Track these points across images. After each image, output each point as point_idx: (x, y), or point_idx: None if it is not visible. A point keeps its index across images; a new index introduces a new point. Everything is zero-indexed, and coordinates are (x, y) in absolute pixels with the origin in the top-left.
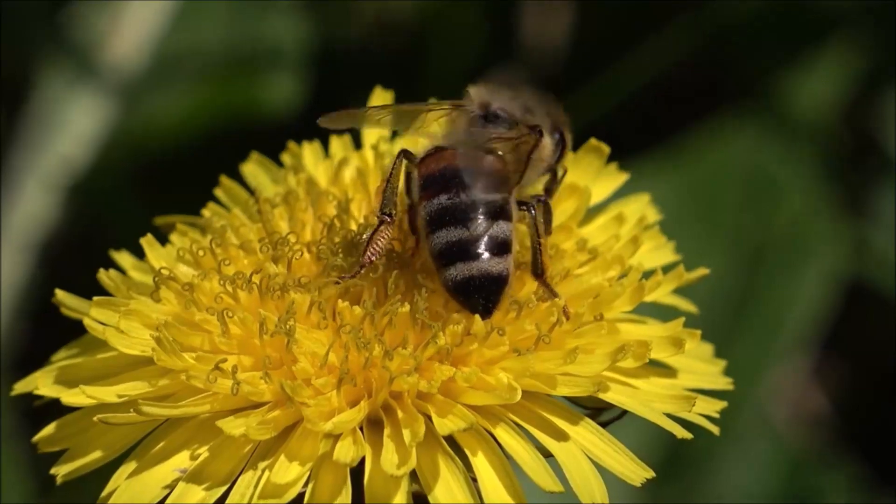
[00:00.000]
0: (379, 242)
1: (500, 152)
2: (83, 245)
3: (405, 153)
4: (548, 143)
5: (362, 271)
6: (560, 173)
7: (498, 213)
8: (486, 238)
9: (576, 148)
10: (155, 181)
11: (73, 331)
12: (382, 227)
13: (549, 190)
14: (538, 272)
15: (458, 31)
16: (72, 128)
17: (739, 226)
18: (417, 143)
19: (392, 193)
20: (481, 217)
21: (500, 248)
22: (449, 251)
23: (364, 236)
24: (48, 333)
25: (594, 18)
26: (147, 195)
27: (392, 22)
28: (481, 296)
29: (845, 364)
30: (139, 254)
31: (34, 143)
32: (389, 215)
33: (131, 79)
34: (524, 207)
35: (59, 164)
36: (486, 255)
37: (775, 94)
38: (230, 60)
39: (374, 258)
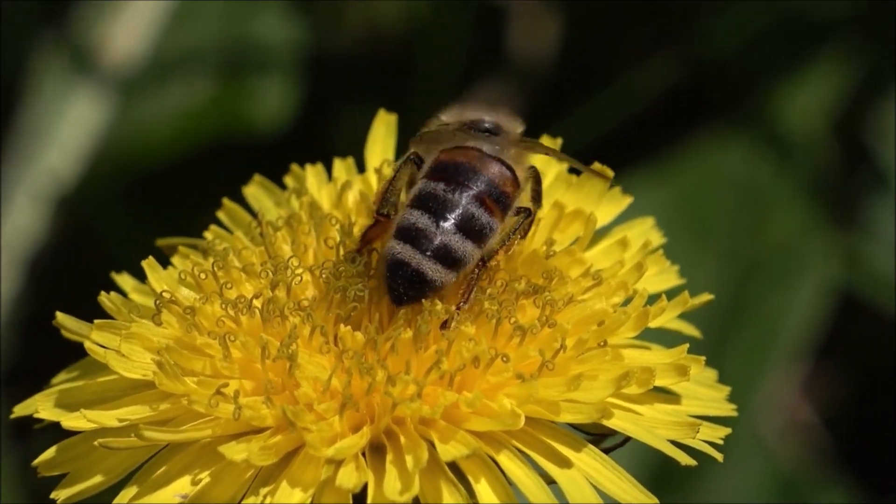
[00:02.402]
0: (370, 236)
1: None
2: (73, 258)
3: (415, 157)
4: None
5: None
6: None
7: (474, 230)
8: (443, 244)
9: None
10: (145, 193)
11: (64, 345)
12: (377, 227)
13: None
14: (485, 260)
15: (446, 40)
16: (62, 140)
17: (731, 238)
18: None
19: (392, 195)
20: (455, 223)
21: (449, 261)
22: (408, 230)
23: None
24: (38, 346)
25: (582, 27)
26: (137, 208)
27: (381, 30)
28: (403, 285)
29: (837, 376)
30: (133, 269)
31: (23, 156)
32: (386, 215)
33: (122, 86)
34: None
35: (49, 177)
36: (431, 257)
37: (766, 105)
38: (222, 67)
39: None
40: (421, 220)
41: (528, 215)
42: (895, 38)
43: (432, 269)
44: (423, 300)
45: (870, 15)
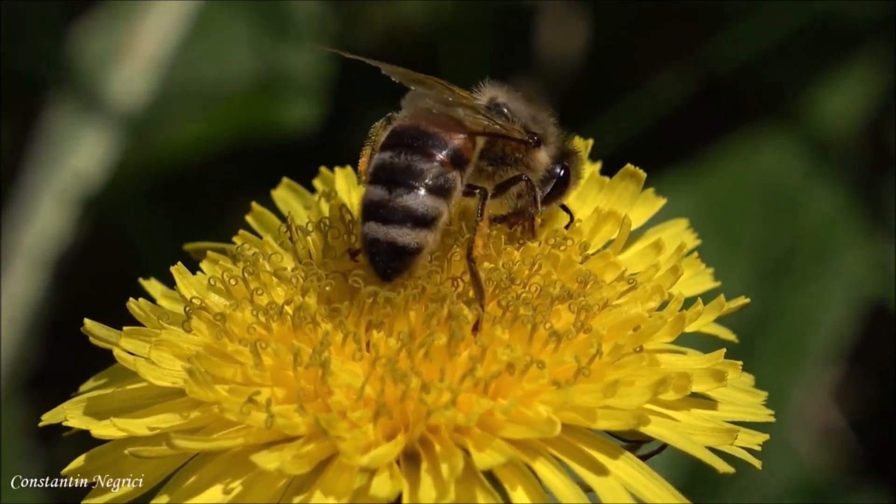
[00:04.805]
0: None
1: (467, 126)
2: (98, 261)
3: (388, 118)
4: (541, 156)
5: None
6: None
7: (430, 185)
8: (400, 206)
9: (611, 173)
10: (171, 196)
11: (89, 349)
12: None
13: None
14: (468, 254)
15: (470, 42)
16: (87, 142)
17: (761, 243)
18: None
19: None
20: (406, 184)
21: (413, 220)
22: (368, 208)
23: None
24: (62, 350)
25: (610, 28)
26: (162, 210)
27: (404, 32)
28: (383, 260)
29: (867, 382)
30: (158, 271)
31: (49, 159)
32: None
33: (148, 97)
34: (475, 192)
35: (74, 180)
36: (396, 223)
37: (798, 109)
38: (248, 80)
39: None
40: (376, 193)
41: (527, 182)
42: None
43: (401, 234)
44: (411, 270)
45: None
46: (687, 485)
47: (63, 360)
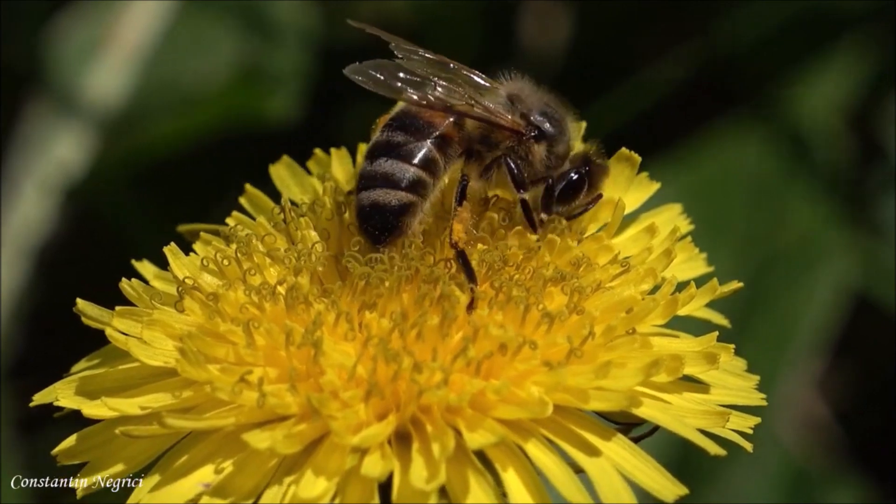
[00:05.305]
0: None
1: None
2: (82, 251)
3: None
4: (538, 150)
5: None
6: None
7: (405, 154)
8: (380, 173)
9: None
10: (155, 184)
11: (72, 337)
12: None
13: (546, 205)
14: (449, 238)
15: (456, 34)
16: (70, 133)
17: (746, 232)
18: None
19: None
20: (389, 154)
21: (394, 183)
22: (357, 182)
23: None
24: (46, 339)
25: (595, 20)
26: (147, 198)
27: (391, 24)
28: (370, 223)
29: (852, 374)
30: (147, 256)
31: (32, 149)
32: None
33: (130, 89)
34: (466, 179)
35: (58, 170)
36: (376, 187)
37: (783, 99)
38: (230, 72)
39: None
40: (364, 167)
41: (507, 165)
42: None
43: (382, 194)
44: (401, 231)
45: (888, 10)
46: (672, 473)
47: (47, 348)
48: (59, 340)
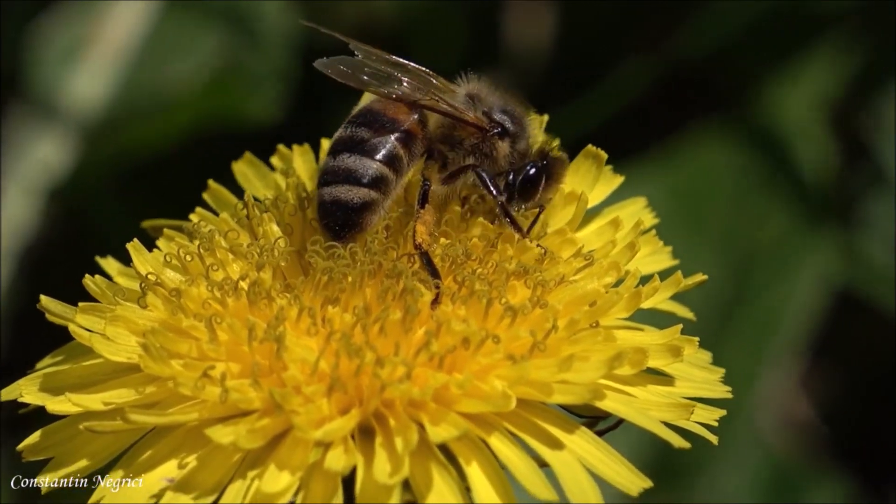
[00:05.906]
0: None
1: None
2: (66, 250)
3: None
4: (502, 146)
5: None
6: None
7: (368, 150)
8: (342, 168)
9: (573, 154)
10: (138, 184)
11: (56, 337)
12: None
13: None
14: (414, 242)
15: (440, 34)
16: (53, 134)
17: (727, 232)
18: None
19: None
20: (351, 149)
21: (355, 179)
22: (319, 178)
23: None
24: (30, 340)
25: (578, 20)
26: (130, 198)
27: (375, 23)
28: (331, 219)
29: (835, 372)
30: (125, 258)
31: (16, 148)
32: None
33: (112, 90)
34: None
35: (41, 171)
36: (337, 182)
37: (764, 98)
38: (211, 72)
39: None
40: (326, 162)
41: (477, 173)
42: (894, 31)
43: (343, 191)
44: (361, 227)
45: (868, 7)
46: (650, 474)
47: (30, 349)
48: (43, 341)
